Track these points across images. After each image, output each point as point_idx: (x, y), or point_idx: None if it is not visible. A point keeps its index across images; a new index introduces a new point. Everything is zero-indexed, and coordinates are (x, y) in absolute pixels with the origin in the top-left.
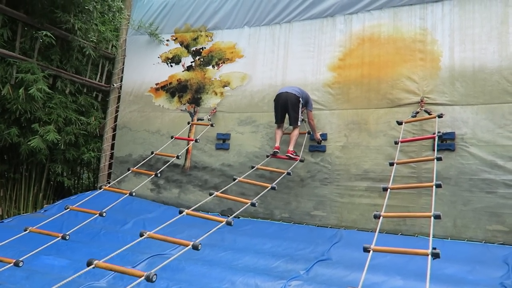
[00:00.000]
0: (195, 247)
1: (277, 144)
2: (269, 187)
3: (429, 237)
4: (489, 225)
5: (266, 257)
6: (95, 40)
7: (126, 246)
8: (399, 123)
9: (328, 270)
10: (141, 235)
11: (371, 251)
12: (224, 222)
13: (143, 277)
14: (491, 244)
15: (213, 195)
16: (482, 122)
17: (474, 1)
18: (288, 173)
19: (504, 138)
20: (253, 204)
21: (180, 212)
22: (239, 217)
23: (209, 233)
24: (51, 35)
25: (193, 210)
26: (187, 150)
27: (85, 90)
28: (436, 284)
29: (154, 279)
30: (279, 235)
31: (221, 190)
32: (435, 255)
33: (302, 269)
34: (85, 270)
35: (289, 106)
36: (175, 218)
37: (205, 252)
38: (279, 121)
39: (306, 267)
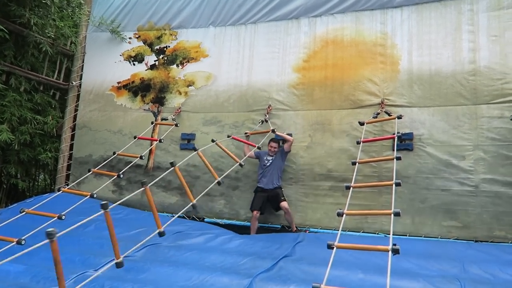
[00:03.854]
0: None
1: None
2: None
3: (389, 234)
4: (444, 221)
5: (233, 255)
6: (52, 36)
7: None
8: (361, 124)
9: (293, 265)
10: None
11: (334, 248)
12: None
13: None
14: (446, 240)
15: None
16: (438, 123)
17: (431, 8)
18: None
19: (457, 139)
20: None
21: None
22: (203, 219)
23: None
24: (4, 29)
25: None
26: (151, 151)
27: (41, 88)
28: (393, 277)
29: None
30: (245, 235)
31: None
32: (395, 251)
33: (268, 266)
34: None
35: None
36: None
37: (171, 252)
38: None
39: (272, 264)
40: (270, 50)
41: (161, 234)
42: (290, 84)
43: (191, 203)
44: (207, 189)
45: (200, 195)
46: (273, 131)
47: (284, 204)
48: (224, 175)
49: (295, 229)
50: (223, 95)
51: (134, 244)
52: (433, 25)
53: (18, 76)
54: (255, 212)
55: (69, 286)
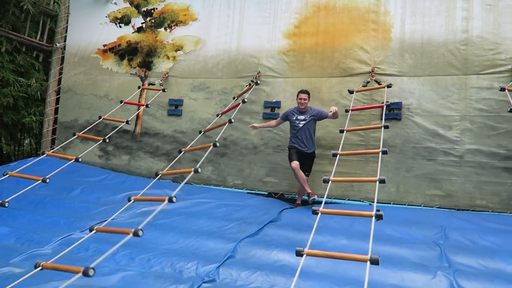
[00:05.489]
0: (135, 234)
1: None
2: (211, 146)
3: (374, 202)
4: (428, 190)
5: (220, 220)
6: None
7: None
8: (351, 92)
9: (278, 231)
10: (129, 200)
11: (319, 214)
12: (166, 200)
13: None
14: (429, 208)
15: (159, 176)
16: (427, 93)
17: None
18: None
19: (445, 109)
20: (196, 171)
21: (129, 200)
22: (192, 184)
23: (151, 216)
24: None
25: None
26: (138, 116)
27: (24, 49)
28: (376, 243)
29: (140, 234)
30: (233, 201)
31: (167, 168)
32: (379, 217)
33: (253, 231)
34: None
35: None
36: (123, 208)
37: (158, 216)
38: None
39: (258, 229)
40: (260, 14)
41: None
42: (280, 51)
43: None
44: None
45: None
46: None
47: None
48: None
49: (298, 203)
50: (212, 60)
51: (120, 208)
52: None
53: None
54: (294, 164)
55: (55, 248)
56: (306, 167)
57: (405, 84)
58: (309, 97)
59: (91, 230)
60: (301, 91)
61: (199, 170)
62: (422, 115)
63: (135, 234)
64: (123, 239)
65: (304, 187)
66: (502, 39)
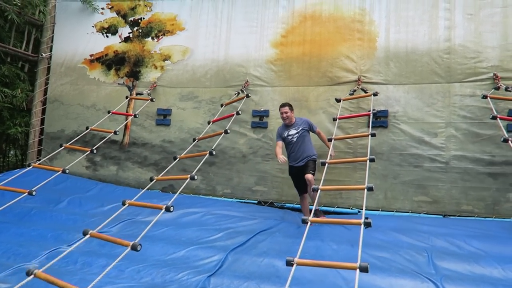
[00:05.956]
0: (134, 248)
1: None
2: (207, 154)
3: (362, 209)
4: (415, 196)
5: (210, 230)
6: (19, 4)
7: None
8: (338, 101)
9: (268, 239)
10: (123, 204)
11: (309, 223)
12: (163, 209)
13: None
14: (416, 214)
15: (153, 181)
16: (412, 101)
17: None
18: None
19: (431, 116)
20: (192, 178)
21: (123, 204)
22: (181, 193)
23: (150, 226)
24: None
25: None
26: (126, 126)
27: (8, 60)
28: (365, 249)
29: (138, 249)
30: (223, 210)
31: (162, 173)
32: (367, 224)
33: (244, 240)
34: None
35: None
36: (118, 212)
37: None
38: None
39: (248, 238)
40: (248, 24)
41: None
42: (268, 60)
43: None
44: None
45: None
46: None
47: (308, 176)
48: None
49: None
50: (200, 70)
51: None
52: (411, 1)
53: None
54: (303, 196)
55: (41, 262)
56: (303, 175)
57: (390, 92)
58: (291, 108)
59: (85, 234)
60: (281, 105)
61: (196, 177)
62: (408, 123)
63: (133, 248)
64: (115, 251)
65: (304, 214)
66: (483, 48)
